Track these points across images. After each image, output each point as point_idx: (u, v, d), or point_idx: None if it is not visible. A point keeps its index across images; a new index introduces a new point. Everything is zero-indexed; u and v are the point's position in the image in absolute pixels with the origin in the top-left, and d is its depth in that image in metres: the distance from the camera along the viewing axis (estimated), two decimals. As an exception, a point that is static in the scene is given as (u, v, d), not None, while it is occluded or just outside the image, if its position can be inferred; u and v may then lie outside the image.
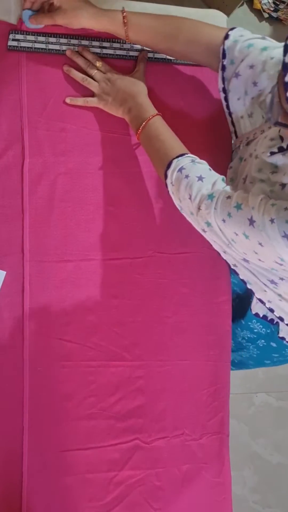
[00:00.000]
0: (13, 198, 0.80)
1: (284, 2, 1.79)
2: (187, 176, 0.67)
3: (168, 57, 0.84)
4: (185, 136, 0.76)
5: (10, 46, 0.79)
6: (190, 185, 0.67)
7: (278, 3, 1.80)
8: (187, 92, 0.87)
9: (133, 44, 0.81)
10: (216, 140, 0.87)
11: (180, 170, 0.68)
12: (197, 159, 0.71)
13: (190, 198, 0.67)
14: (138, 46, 0.83)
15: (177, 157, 0.70)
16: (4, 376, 0.79)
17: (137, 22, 0.75)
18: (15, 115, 0.80)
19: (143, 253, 0.84)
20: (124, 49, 0.83)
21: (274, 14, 1.81)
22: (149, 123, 0.75)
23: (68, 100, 0.80)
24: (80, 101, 0.80)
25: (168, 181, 0.70)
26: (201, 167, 0.69)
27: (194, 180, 0.67)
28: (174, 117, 0.82)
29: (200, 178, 0.67)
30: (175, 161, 0.69)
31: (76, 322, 0.81)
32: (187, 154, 0.71)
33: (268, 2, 1.80)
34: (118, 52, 0.83)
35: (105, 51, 0.83)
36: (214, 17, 0.89)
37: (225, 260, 0.77)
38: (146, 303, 0.84)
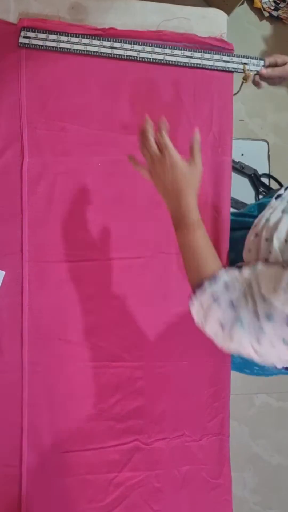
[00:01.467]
0: (12, 198, 0.80)
1: (284, 1, 1.78)
2: (219, 304, 0.62)
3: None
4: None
5: (21, 43, 0.79)
6: (222, 314, 0.61)
7: (278, 2, 1.79)
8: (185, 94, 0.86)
9: None
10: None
11: (212, 296, 0.63)
12: (230, 279, 0.64)
13: (221, 327, 0.62)
14: (149, 48, 0.82)
15: (211, 278, 0.64)
16: (4, 376, 0.79)
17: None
18: (14, 114, 0.80)
19: (143, 253, 0.84)
20: (135, 51, 0.82)
21: (274, 13, 1.81)
22: (189, 227, 0.69)
23: (130, 159, 0.75)
24: (137, 166, 0.74)
25: (196, 299, 0.65)
26: (233, 291, 0.63)
27: (227, 309, 0.61)
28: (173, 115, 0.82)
29: (232, 305, 0.61)
30: (207, 284, 0.63)
31: (76, 322, 0.81)
32: (220, 274, 0.64)
33: (269, 1, 1.79)
34: (129, 53, 0.82)
35: (115, 51, 0.82)
36: (214, 16, 0.89)
37: None
38: (146, 303, 0.84)
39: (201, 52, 0.84)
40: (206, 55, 0.85)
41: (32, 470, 0.79)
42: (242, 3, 1.78)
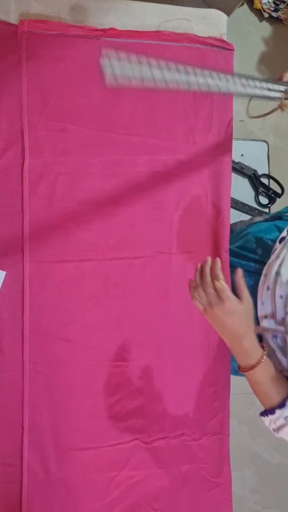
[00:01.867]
0: (13, 199, 0.80)
1: (284, 2, 1.79)
2: None
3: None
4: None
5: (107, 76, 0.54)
6: None
7: (278, 3, 1.79)
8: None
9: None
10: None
11: (285, 419, 0.68)
12: None
13: None
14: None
15: (281, 406, 0.69)
16: (5, 375, 0.79)
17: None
18: (15, 115, 0.80)
19: (143, 253, 0.84)
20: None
21: (274, 14, 1.81)
22: (255, 367, 0.70)
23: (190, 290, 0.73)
24: (195, 300, 0.72)
25: (269, 418, 0.70)
26: None
27: None
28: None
29: None
30: (278, 411, 0.69)
31: (76, 322, 0.81)
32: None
33: (268, 2, 1.80)
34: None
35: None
36: (214, 17, 0.89)
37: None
38: (146, 303, 0.84)
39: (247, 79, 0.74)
40: (251, 82, 0.71)
41: (33, 469, 0.80)
42: (242, 4, 1.79)
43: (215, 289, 0.70)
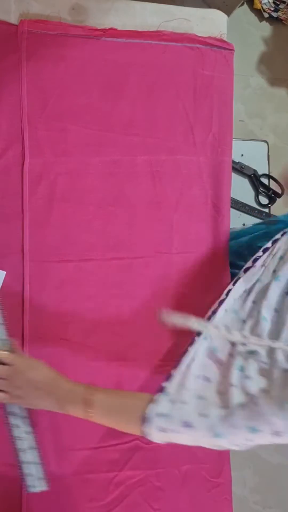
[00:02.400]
0: (13, 199, 0.80)
1: (284, 2, 1.79)
2: (174, 430, 0.59)
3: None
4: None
5: None
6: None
7: (278, 3, 1.80)
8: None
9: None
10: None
11: (165, 423, 0.59)
12: (173, 395, 0.61)
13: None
14: None
15: (149, 403, 0.60)
16: (4, 376, 0.79)
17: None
18: (15, 115, 0.80)
19: (143, 253, 0.84)
20: None
21: (274, 14, 1.81)
22: (87, 400, 0.65)
23: None
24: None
25: (150, 428, 0.60)
26: (186, 407, 0.60)
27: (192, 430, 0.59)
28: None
29: (188, 425, 0.59)
30: (150, 407, 0.60)
31: (76, 322, 0.81)
32: (155, 398, 0.61)
33: (269, 2, 1.80)
34: None
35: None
36: (214, 17, 0.89)
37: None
38: (146, 303, 0.84)
39: None
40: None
41: (33, 469, 0.79)
42: (242, 4, 1.79)
43: (2, 363, 0.67)
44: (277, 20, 1.83)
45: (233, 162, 1.41)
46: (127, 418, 0.64)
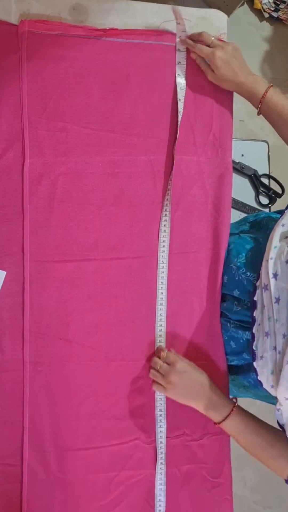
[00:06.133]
0: (13, 198, 0.80)
1: (284, 2, 1.79)
2: None
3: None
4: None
5: None
6: None
7: (278, 3, 1.80)
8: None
9: None
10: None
11: None
12: None
13: None
14: None
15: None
16: (5, 375, 0.79)
17: None
18: (15, 115, 0.80)
19: (143, 253, 0.84)
20: None
21: (274, 14, 1.82)
22: (232, 413, 0.76)
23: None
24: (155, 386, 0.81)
25: None
26: None
27: None
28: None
29: None
30: None
31: (76, 322, 0.81)
32: None
33: (269, 2, 1.80)
34: None
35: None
36: (214, 17, 0.89)
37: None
38: (146, 303, 0.84)
39: None
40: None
41: (33, 469, 0.80)
42: (242, 4, 1.79)
43: (165, 362, 0.78)
44: (278, 20, 1.84)
45: (234, 162, 1.41)
46: (270, 454, 0.74)
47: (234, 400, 0.78)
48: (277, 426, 0.73)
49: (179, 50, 0.86)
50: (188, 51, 0.86)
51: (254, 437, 0.74)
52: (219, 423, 0.75)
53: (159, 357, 0.80)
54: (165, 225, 0.84)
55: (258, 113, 0.82)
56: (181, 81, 0.85)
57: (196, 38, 0.84)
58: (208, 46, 0.82)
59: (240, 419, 0.75)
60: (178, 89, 0.85)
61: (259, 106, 0.80)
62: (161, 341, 0.84)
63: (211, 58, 0.81)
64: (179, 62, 0.86)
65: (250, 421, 0.76)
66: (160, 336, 0.84)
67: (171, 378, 0.76)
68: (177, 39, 0.86)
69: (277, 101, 0.79)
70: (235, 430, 0.75)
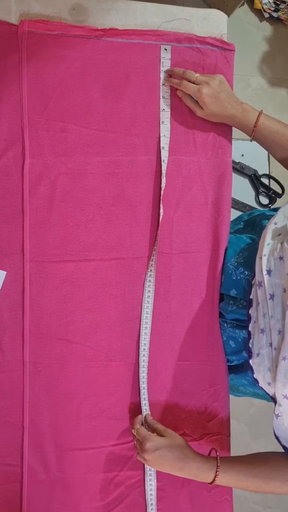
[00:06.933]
0: (13, 199, 0.80)
1: (284, 2, 1.79)
2: None
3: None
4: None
5: None
6: None
7: (278, 3, 1.80)
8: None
9: None
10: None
11: None
12: None
13: None
14: None
15: None
16: (5, 375, 0.79)
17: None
18: (15, 115, 0.80)
19: (143, 253, 0.84)
20: None
21: (274, 14, 1.82)
22: (218, 479, 0.75)
23: None
24: None
25: None
26: None
27: None
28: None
29: None
30: None
31: (76, 322, 0.81)
32: None
33: (269, 2, 1.80)
34: None
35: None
36: (214, 17, 0.89)
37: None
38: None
39: None
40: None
41: (33, 469, 0.80)
42: (242, 4, 1.79)
43: (137, 438, 0.77)
44: (278, 20, 1.84)
45: (234, 162, 1.41)
46: (273, 486, 0.73)
47: (216, 453, 0.76)
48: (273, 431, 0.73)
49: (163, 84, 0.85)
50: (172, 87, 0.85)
51: (251, 479, 0.72)
52: (211, 483, 0.74)
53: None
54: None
55: (251, 140, 0.83)
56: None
57: (180, 76, 0.83)
58: (193, 83, 0.81)
59: (229, 474, 0.73)
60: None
61: (252, 134, 0.81)
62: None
63: (198, 95, 0.80)
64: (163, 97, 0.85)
65: (239, 468, 0.74)
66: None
67: (144, 456, 0.75)
68: (162, 75, 0.85)
69: (270, 126, 0.80)
70: (229, 484, 0.75)
